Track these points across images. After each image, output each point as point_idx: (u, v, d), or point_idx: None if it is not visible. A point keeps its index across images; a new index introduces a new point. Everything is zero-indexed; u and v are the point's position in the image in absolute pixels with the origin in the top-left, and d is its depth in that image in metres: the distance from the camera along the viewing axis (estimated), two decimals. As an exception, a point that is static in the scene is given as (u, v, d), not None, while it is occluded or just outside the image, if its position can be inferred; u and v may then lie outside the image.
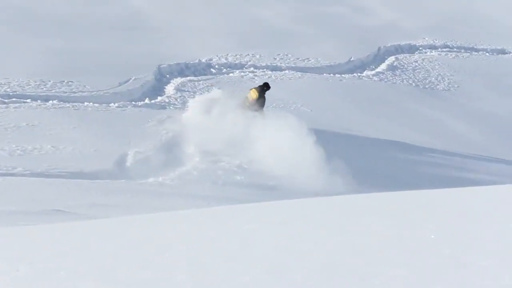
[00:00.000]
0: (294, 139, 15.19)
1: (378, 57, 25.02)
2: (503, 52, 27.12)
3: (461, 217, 6.30)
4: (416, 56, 25.76)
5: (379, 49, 25.44)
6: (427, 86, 23.66)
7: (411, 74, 24.27)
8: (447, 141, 19.72)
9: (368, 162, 16.93)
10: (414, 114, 21.33)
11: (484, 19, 29.81)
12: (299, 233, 6.02)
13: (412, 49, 26.25)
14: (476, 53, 26.76)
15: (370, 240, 5.57)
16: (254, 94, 17.03)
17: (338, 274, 4.99)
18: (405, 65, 24.83)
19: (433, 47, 26.62)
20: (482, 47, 27.10)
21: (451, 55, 26.34)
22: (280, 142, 15.09)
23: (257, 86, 17.77)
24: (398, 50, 25.92)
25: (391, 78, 23.70)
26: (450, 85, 23.91)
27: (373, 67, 24.28)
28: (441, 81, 24.12)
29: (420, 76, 24.31)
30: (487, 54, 26.90)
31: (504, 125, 21.53)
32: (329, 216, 6.98)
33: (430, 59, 25.57)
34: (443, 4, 30.85)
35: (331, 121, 19.23)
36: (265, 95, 17.18)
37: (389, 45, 25.86)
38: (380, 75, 23.76)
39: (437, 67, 25.04)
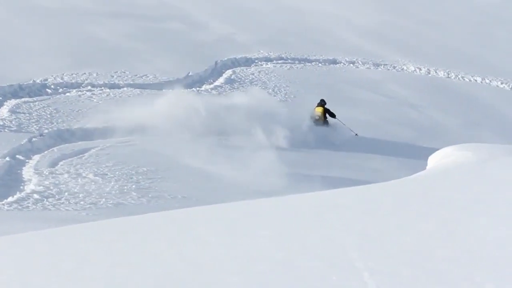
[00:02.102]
0: None
1: (216, 71, 25.38)
2: (334, 62, 28.16)
3: (291, 223, 6.54)
4: (252, 68, 26.32)
5: (216, 63, 25.80)
6: (265, 98, 24.17)
7: (249, 87, 24.74)
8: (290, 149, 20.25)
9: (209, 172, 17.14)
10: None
11: (315, 31, 30.88)
12: (134, 247, 6.06)
13: (248, 62, 26.79)
14: (309, 64, 27.64)
15: (204, 250, 5.70)
16: (319, 110, 22.03)
17: (174, 286, 5.08)
18: (243, 78, 25.31)
19: (268, 60, 27.28)
20: (315, 58, 28.02)
21: (286, 66, 27.08)
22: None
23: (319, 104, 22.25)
24: (234, 63, 26.38)
25: (229, 91, 24.06)
26: (287, 96, 24.55)
27: (211, 81, 24.59)
28: (278, 92, 24.73)
29: (257, 88, 24.82)
30: (320, 64, 27.85)
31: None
32: (168, 230, 7.04)
33: (266, 71, 26.19)
34: (276, 17, 31.72)
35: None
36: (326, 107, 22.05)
37: (225, 59, 26.29)
38: (219, 88, 24.10)
39: (273, 78, 25.67)
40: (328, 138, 21.36)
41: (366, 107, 24.01)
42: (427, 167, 13.06)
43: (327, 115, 22.03)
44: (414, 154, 20.52)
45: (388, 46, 30.43)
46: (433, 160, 13.19)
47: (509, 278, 5.01)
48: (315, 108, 22.21)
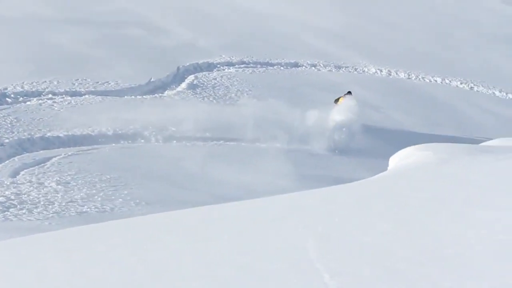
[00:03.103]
0: None
1: (178, 77, 25.33)
2: (296, 65, 28.28)
3: (253, 226, 6.58)
4: (214, 73, 26.32)
5: (178, 68, 25.76)
6: (227, 102, 24.20)
7: (211, 92, 24.75)
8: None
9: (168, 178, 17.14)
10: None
11: (277, 35, 30.99)
12: (96, 255, 6.05)
13: (210, 67, 26.79)
14: (271, 67, 27.72)
15: (166, 256, 5.72)
16: (341, 100, 23.02)
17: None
18: (205, 83, 25.30)
19: (230, 64, 27.30)
20: (276, 61, 28.12)
21: (248, 70, 27.13)
22: None
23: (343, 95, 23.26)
24: (197, 68, 26.36)
25: (192, 96, 24.04)
26: (249, 100, 24.58)
27: (174, 86, 24.54)
28: (241, 96, 24.76)
29: (220, 92, 24.84)
30: (282, 68, 27.94)
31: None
32: (130, 236, 7.03)
33: (229, 76, 26.21)
34: (237, 22, 31.77)
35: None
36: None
37: (187, 64, 26.26)
38: (181, 94, 24.06)
39: (235, 83, 25.69)
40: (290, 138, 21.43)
41: (328, 110, 24.12)
42: (389, 168, 13.19)
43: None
44: (376, 155, 20.69)
45: (349, 49, 30.63)
46: (394, 161, 13.32)
47: (467, 276, 5.09)
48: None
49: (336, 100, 23.23)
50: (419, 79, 28.93)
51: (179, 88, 24.43)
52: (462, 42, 33.84)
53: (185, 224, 7.43)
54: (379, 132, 22.63)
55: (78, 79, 22.98)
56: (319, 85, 26.58)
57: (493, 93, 28.48)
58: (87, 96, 22.10)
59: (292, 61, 28.40)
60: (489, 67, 30.79)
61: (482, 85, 28.84)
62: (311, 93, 25.59)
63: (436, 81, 28.85)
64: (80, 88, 22.41)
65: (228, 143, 20.86)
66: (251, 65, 27.69)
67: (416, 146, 13.74)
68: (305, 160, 20.52)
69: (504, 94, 28.48)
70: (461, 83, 28.81)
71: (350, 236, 6.04)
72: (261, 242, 6.04)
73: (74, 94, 22.05)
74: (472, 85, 28.76)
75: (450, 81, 28.74)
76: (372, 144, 21.98)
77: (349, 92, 23.42)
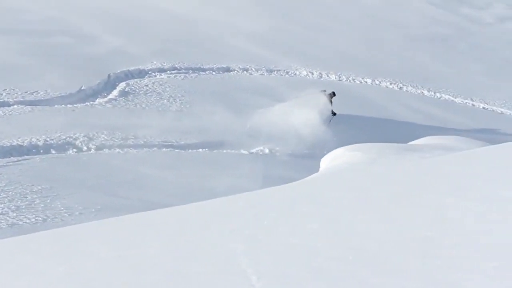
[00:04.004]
0: None
1: (109, 84, 25.14)
2: (228, 70, 28.35)
3: (181, 232, 6.60)
4: (146, 80, 26.20)
5: (109, 76, 25.56)
6: (160, 109, 24.12)
7: (143, 98, 24.63)
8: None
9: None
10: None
11: (208, 40, 31.01)
12: (22, 267, 6.00)
13: (141, 73, 26.66)
14: (203, 73, 27.73)
15: (94, 264, 5.70)
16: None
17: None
18: (137, 90, 25.16)
19: (162, 70, 27.22)
20: (208, 66, 28.14)
21: (180, 76, 27.09)
22: None
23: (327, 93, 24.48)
24: (128, 75, 26.20)
25: (124, 104, 23.89)
26: (182, 106, 24.55)
27: (105, 94, 24.35)
28: (173, 102, 24.71)
29: (152, 99, 24.74)
30: (214, 73, 27.98)
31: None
32: (57, 246, 6.98)
33: (160, 82, 26.12)
34: (168, 27, 31.69)
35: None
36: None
37: (118, 71, 26.07)
38: (113, 101, 23.88)
39: (168, 89, 25.62)
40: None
41: (261, 113, 24.25)
42: (320, 169, 13.35)
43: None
44: (309, 157, 20.90)
45: (281, 52, 30.83)
46: (325, 162, 13.49)
47: (391, 272, 5.20)
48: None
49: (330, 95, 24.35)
50: (350, 80, 29.30)
51: (110, 96, 24.24)
52: (390, 43, 34.40)
53: (116, 232, 7.41)
54: (312, 134, 22.82)
55: (5, 89, 22.63)
56: (252, 89, 26.71)
57: (422, 92, 29.03)
58: (15, 106, 21.77)
59: (224, 66, 28.46)
60: (417, 67, 31.37)
61: (411, 85, 29.36)
62: (244, 97, 25.71)
63: (366, 82, 29.26)
64: (8, 99, 22.08)
65: (162, 149, 20.81)
66: (183, 70, 27.65)
67: (347, 146, 13.94)
68: (240, 164, 20.60)
69: (432, 93, 29.05)
70: (390, 84, 29.28)
71: (278, 238, 6.11)
72: (189, 247, 6.07)
73: (2, 104, 21.70)
74: (401, 85, 29.26)
75: (380, 82, 29.19)
76: (306, 145, 22.17)
77: (333, 93, 24.37)
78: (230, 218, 6.84)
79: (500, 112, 28.26)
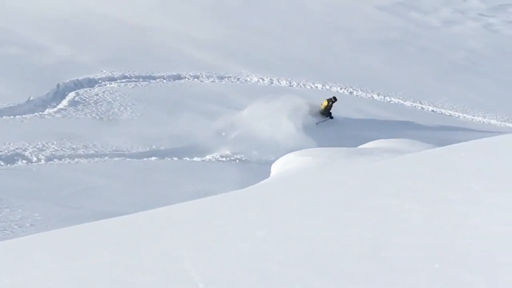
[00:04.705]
0: None
1: (58, 94, 24.92)
2: (179, 77, 28.30)
3: (130, 241, 6.59)
4: (96, 89, 26.02)
5: (58, 86, 25.35)
6: (111, 118, 23.98)
7: (94, 108, 24.46)
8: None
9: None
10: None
11: (158, 48, 30.91)
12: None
13: (91, 82, 26.48)
14: (154, 81, 27.63)
15: (41, 276, 5.67)
16: (325, 103, 25.36)
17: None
18: (87, 99, 24.98)
19: (112, 79, 27.06)
20: (159, 74, 28.05)
21: (131, 85, 26.95)
22: None
23: (328, 98, 25.49)
24: (77, 85, 26.00)
25: (74, 113, 23.70)
26: (133, 114, 24.44)
27: (54, 104, 24.14)
28: (124, 111, 24.58)
29: (103, 108, 24.59)
30: (165, 81, 27.90)
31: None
32: (5, 259, 6.92)
33: (111, 91, 25.97)
34: (117, 36, 31.51)
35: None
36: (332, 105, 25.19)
37: (68, 81, 25.87)
38: (63, 111, 23.68)
39: (118, 98, 25.48)
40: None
41: (214, 120, 24.23)
42: (271, 174, 13.40)
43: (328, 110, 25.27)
44: (261, 162, 20.97)
45: (231, 59, 30.87)
46: (276, 167, 13.55)
47: (336, 275, 5.26)
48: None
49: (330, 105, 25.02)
50: (300, 85, 29.46)
51: (60, 106, 24.04)
52: (340, 48, 34.67)
53: (65, 243, 7.36)
54: (262, 140, 22.87)
55: (-47, 101, 22.32)
56: (203, 96, 26.69)
57: (372, 96, 29.30)
58: (-37, 118, 21.49)
59: (175, 74, 28.40)
60: (366, 72, 31.66)
61: (360, 89, 29.62)
62: (196, 104, 25.67)
63: (317, 87, 29.43)
64: (-45, 110, 21.77)
65: (113, 159, 20.69)
66: (133, 79, 27.53)
67: (297, 151, 14.02)
68: (194, 172, 20.56)
69: (382, 97, 29.34)
70: (341, 88, 29.49)
71: (226, 244, 6.14)
72: (138, 256, 6.06)
73: (-51, 116, 21.41)
74: (351, 89, 29.50)
75: (330, 87, 29.38)
76: (257, 151, 22.23)
77: (334, 98, 25.33)
78: (180, 225, 6.84)
79: (448, 114, 28.66)
